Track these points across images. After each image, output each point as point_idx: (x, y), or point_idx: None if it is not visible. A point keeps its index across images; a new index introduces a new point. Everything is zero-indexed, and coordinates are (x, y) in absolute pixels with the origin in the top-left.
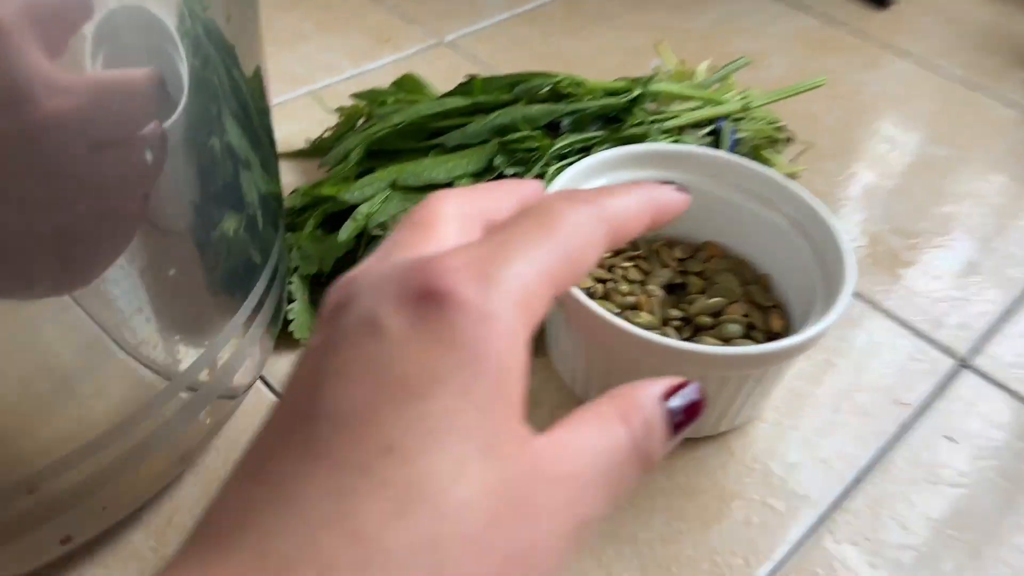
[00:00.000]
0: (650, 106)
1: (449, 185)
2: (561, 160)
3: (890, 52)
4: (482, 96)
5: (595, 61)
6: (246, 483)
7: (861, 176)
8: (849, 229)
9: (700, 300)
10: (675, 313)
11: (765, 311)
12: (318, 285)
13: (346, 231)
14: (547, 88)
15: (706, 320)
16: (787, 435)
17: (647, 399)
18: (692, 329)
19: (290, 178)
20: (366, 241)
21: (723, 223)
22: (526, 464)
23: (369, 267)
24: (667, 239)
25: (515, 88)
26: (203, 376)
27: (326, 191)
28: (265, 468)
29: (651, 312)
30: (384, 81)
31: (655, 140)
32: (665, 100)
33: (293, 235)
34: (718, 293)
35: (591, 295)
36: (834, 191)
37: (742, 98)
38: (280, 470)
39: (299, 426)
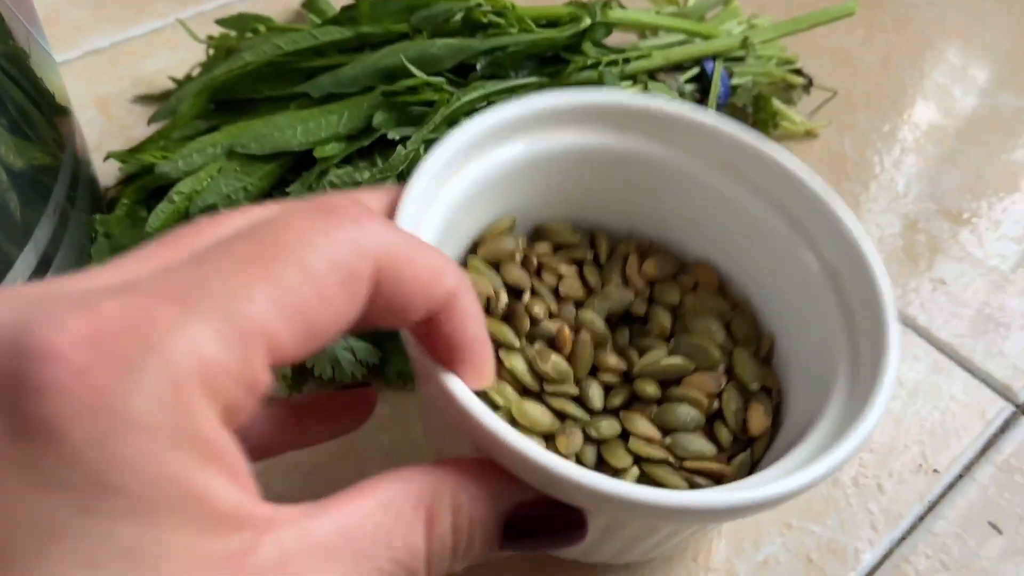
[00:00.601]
0: (620, 41)
1: (307, 153)
2: None
3: None
4: (368, 26)
5: None
6: None
7: (902, 134)
8: (881, 209)
9: (656, 351)
10: (612, 362)
11: (748, 396)
12: None
13: (158, 218)
14: (458, 16)
15: (649, 390)
16: (761, 519)
17: (480, 508)
18: (628, 392)
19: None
20: None
21: (729, 238)
22: None
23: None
24: (643, 242)
25: (414, 15)
26: None
27: (146, 157)
28: None
29: (571, 354)
30: None
31: (613, 87)
32: (640, 33)
33: (104, 217)
34: (685, 348)
35: (486, 307)
36: (865, 154)
37: (743, 31)
38: None
39: None
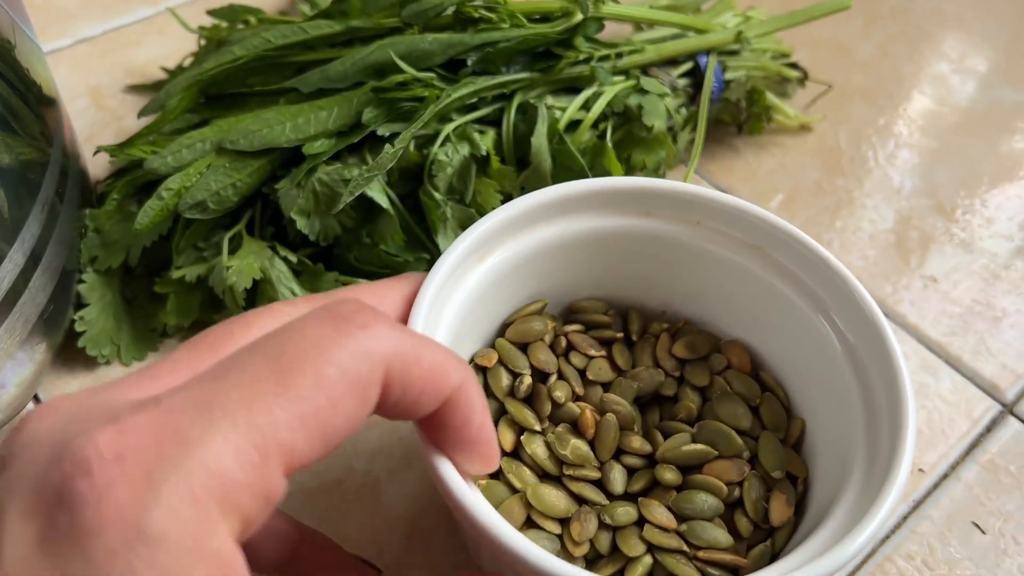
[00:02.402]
0: (623, 36)
1: (297, 149)
2: (468, 113)
3: None
4: (359, 20)
5: None
6: None
7: (898, 128)
8: (874, 204)
9: (680, 436)
10: (636, 444)
11: (771, 484)
12: (129, 281)
13: (147, 215)
14: (450, 10)
15: (669, 476)
16: None
17: None
18: (651, 477)
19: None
20: (182, 227)
21: (761, 318)
22: None
23: (52, 416)
24: (677, 321)
25: (404, 9)
26: None
27: (135, 152)
28: None
29: (594, 437)
30: None
31: (605, 83)
32: (636, 26)
33: (95, 212)
34: (709, 434)
35: (511, 391)
36: (860, 148)
37: (738, 24)
38: None
39: None
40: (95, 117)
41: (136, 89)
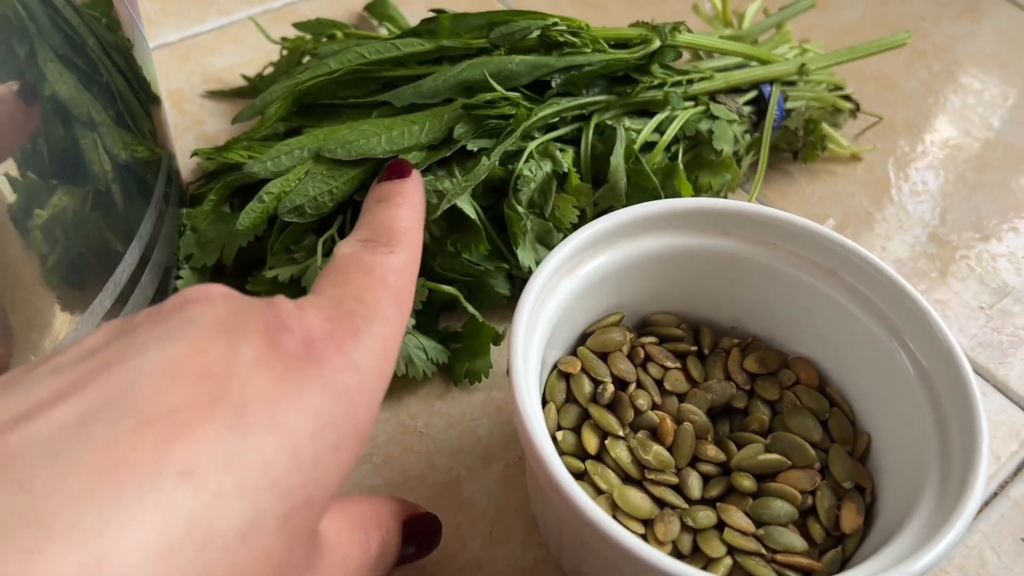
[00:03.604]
0: (685, 63)
1: (390, 159)
2: (549, 131)
3: None
4: (448, 39)
5: None
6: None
7: (943, 161)
8: (921, 232)
9: (754, 446)
10: (711, 453)
11: (841, 494)
12: (222, 279)
13: (248, 217)
14: (535, 33)
15: (746, 483)
16: None
17: (387, 522)
18: (726, 484)
19: (224, 126)
20: (278, 229)
21: (829, 337)
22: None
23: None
24: (747, 337)
25: (493, 31)
26: None
27: (232, 156)
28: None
29: (672, 444)
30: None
31: (677, 108)
32: (695, 54)
33: (191, 212)
34: (782, 445)
35: (594, 397)
36: (908, 179)
37: (798, 55)
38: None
39: (86, 409)
40: (176, 121)
41: (214, 95)
